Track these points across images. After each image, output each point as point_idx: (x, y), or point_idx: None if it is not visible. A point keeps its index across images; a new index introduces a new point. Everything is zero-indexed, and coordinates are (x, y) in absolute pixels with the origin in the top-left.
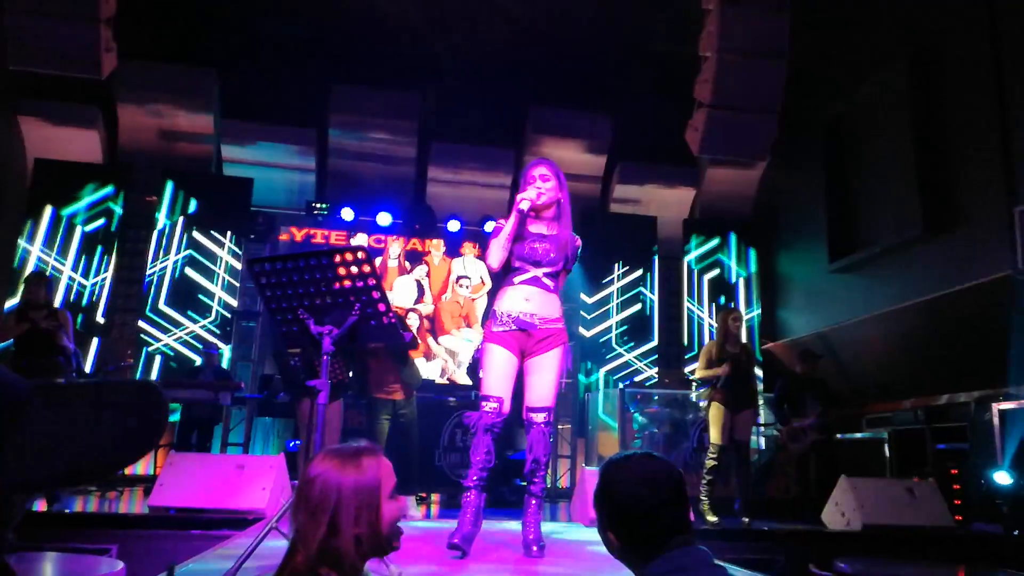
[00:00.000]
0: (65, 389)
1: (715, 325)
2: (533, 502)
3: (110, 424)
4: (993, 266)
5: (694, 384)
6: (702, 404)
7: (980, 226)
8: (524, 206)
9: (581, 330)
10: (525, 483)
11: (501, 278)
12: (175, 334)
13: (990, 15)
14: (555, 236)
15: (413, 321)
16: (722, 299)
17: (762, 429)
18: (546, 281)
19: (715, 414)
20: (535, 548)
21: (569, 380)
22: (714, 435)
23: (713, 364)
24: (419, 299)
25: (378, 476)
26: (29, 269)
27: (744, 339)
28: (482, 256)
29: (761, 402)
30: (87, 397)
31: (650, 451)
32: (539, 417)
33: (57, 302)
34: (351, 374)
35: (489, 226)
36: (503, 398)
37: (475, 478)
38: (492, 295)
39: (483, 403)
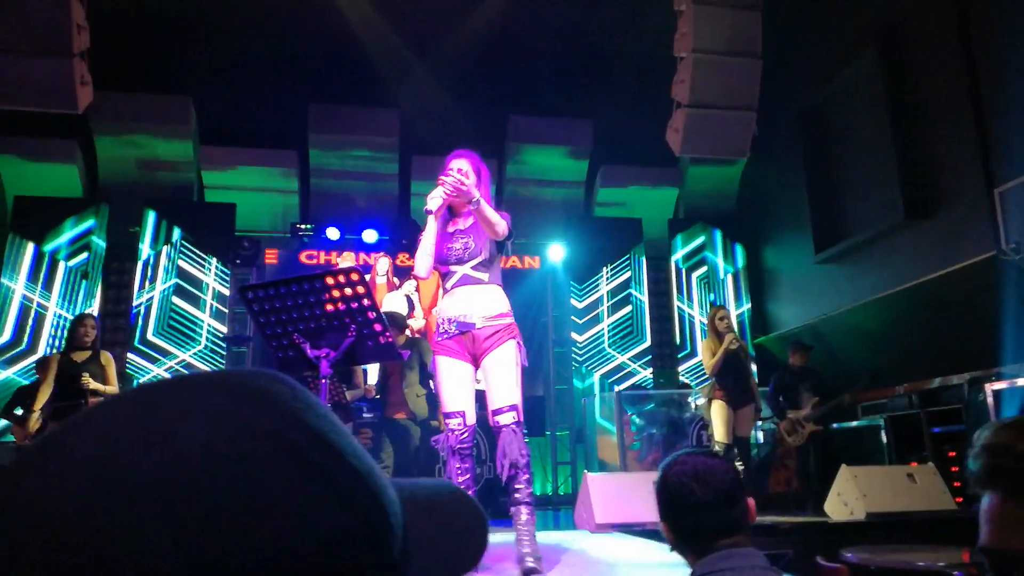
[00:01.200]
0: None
1: (706, 322)
2: (523, 511)
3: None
4: (976, 248)
5: (693, 387)
6: (699, 402)
7: (961, 209)
8: (433, 206)
9: (573, 335)
10: (509, 492)
11: (441, 285)
12: (165, 364)
13: None
14: (473, 225)
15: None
16: (710, 296)
17: (759, 424)
18: (477, 275)
19: (718, 412)
20: (530, 562)
21: (564, 386)
22: (719, 433)
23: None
24: (410, 314)
25: None
26: (13, 307)
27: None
28: None
29: (759, 396)
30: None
31: (712, 451)
32: (506, 418)
33: (43, 339)
34: (376, 395)
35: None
36: (464, 411)
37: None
38: None
39: (447, 421)
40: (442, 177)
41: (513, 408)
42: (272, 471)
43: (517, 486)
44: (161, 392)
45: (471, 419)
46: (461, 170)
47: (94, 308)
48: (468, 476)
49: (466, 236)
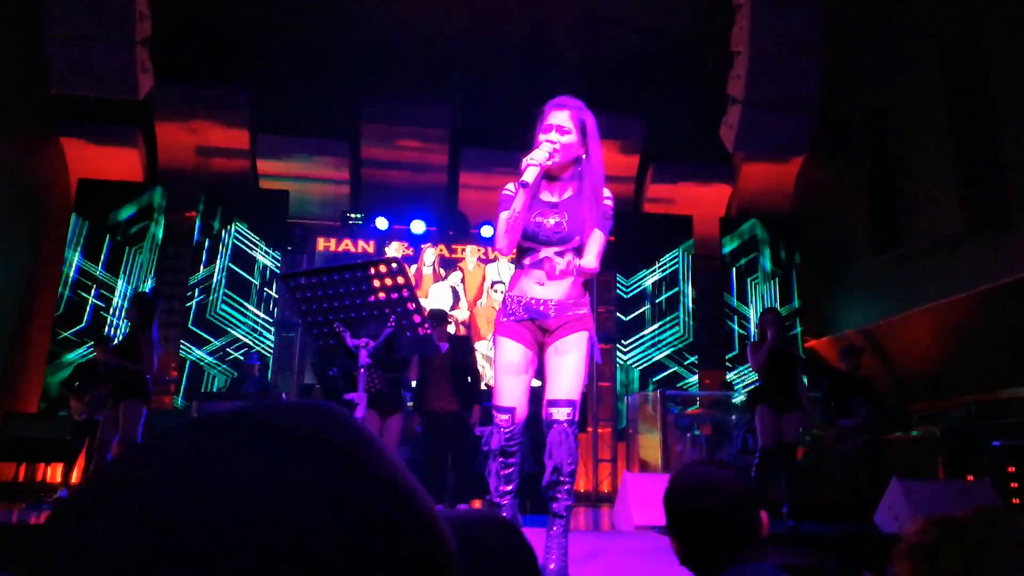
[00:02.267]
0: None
1: (756, 324)
2: (557, 523)
3: None
4: None
5: (737, 389)
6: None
7: None
8: (530, 176)
9: (618, 331)
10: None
11: (515, 257)
12: (217, 347)
13: None
14: (570, 200)
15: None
16: (761, 297)
17: (800, 430)
18: (559, 261)
19: (761, 416)
20: None
21: (607, 383)
22: (761, 437)
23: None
24: (455, 305)
25: None
26: (74, 287)
27: (787, 339)
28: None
29: (808, 402)
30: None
31: (724, 460)
32: (561, 413)
33: (106, 320)
34: (414, 384)
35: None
36: (515, 406)
37: (499, 497)
38: None
39: (496, 414)
40: (543, 137)
41: (571, 404)
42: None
43: (557, 495)
44: (220, 439)
45: (521, 414)
46: (561, 128)
47: (150, 290)
48: (510, 471)
49: (560, 214)
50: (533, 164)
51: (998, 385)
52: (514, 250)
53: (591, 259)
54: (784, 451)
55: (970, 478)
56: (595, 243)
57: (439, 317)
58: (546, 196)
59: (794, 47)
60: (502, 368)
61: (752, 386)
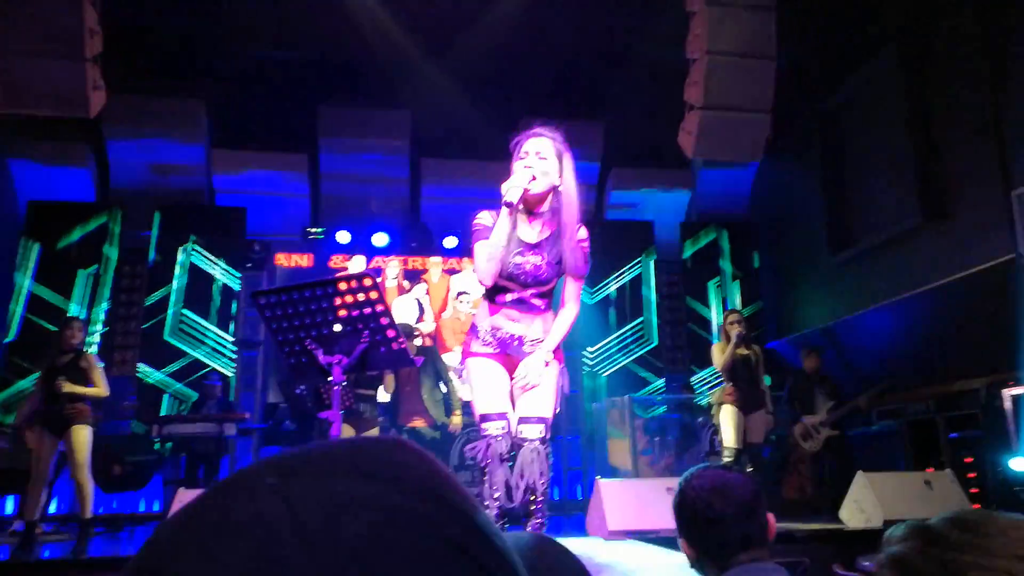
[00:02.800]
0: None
1: (719, 326)
2: None
3: None
4: (995, 251)
5: (704, 391)
6: (712, 408)
7: (979, 212)
8: (514, 196)
9: (583, 338)
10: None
11: (489, 292)
12: (176, 368)
13: None
14: (548, 240)
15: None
16: (723, 300)
17: (765, 429)
18: (534, 302)
19: (728, 416)
20: None
21: (576, 391)
22: (728, 438)
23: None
24: (420, 318)
25: None
26: (25, 310)
27: (750, 339)
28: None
29: (771, 401)
30: None
31: (730, 464)
32: (533, 431)
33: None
34: (388, 399)
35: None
36: (507, 413)
37: (499, 517)
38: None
39: (485, 426)
40: (520, 164)
41: (542, 422)
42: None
43: (532, 513)
44: (314, 478)
45: (514, 423)
46: (540, 154)
47: (104, 312)
48: (508, 488)
49: (538, 254)
50: (515, 187)
51: (954, 378)
52: (495, 279)
53: (561, 331)
54: (751, 450)
55: (931, 470)
56: (569, 313)
57: (406, 333)
58: (524, 233)
59: (748, 52)
60: (483, 383)
61: (715, 387)
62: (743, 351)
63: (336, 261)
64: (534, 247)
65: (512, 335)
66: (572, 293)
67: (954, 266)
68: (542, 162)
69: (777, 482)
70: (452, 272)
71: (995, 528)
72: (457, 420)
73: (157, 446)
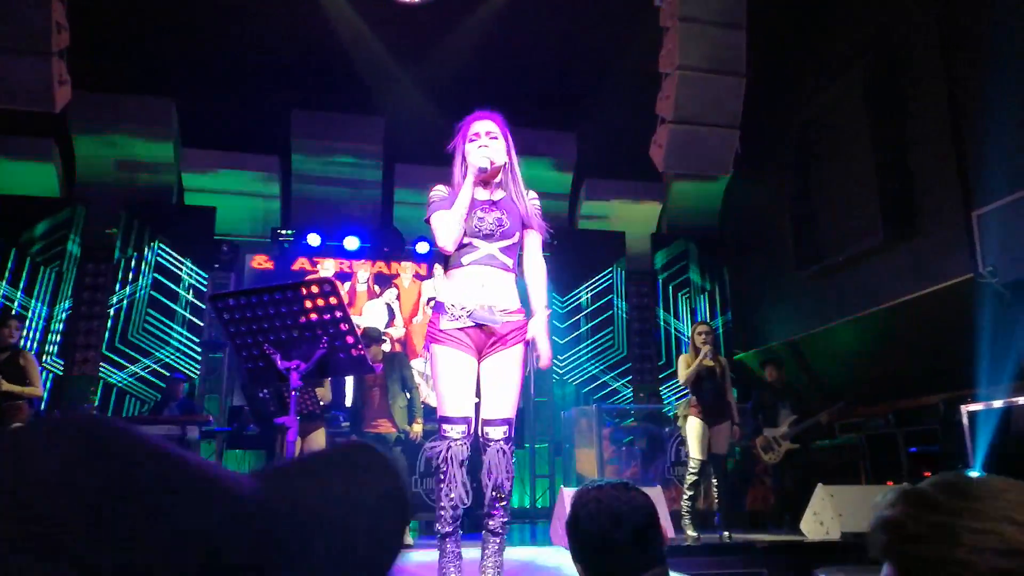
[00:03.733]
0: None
1: (688, 337)
2: (493, 541)
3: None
4: (954, 270)
5: (670, 403)
6: (677, 416)
7: (940, 230)
8: (484, 164)
9: (555, 343)
10: (483, 516)
11: (447, 259)
12: (138, 369)
13: (940, 21)
14: (505, 200)
15: (385, 346)
16: (692, 311)
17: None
18: (503, 258)
19: (694, 428)
20: None
21: (544, 399)
22: (694, 449)
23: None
24: (390, 323)
25: None
26: None
27: (717, 351)
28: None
29: (737, 413)
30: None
31: (625, 481)
32: (498, 432)
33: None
34: (349, 404)
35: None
36: (470, 417)
37: (451, 521)
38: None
39: (446, 428)
40: (471, 146)
41: (507, 423)
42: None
43: (494, 513)
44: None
45: (474, 427)
46: (490, 133)
47: (66, 310)
48: (469, 491)
49: (500, 210)
50: (482, 157)
51: (913, 393)
52: (458, 244)
53: (543, 287)
54: (715, 461)
55: (890, 483)
56: (540, 267)
57: (373, 337)
58: (481, 195)
59: (719, 68)
60: (450, 378)
61: (683, 398)
62: (709, 362)
63: (305, 264)
64: (493, 204)
65: (482, 305)
66: (536, 246)
67: (916, 284)
68: (493, 141)
69: (740, 493)
70: (423, 278)
71: (986, 491)
72: (418, 428)
73: None
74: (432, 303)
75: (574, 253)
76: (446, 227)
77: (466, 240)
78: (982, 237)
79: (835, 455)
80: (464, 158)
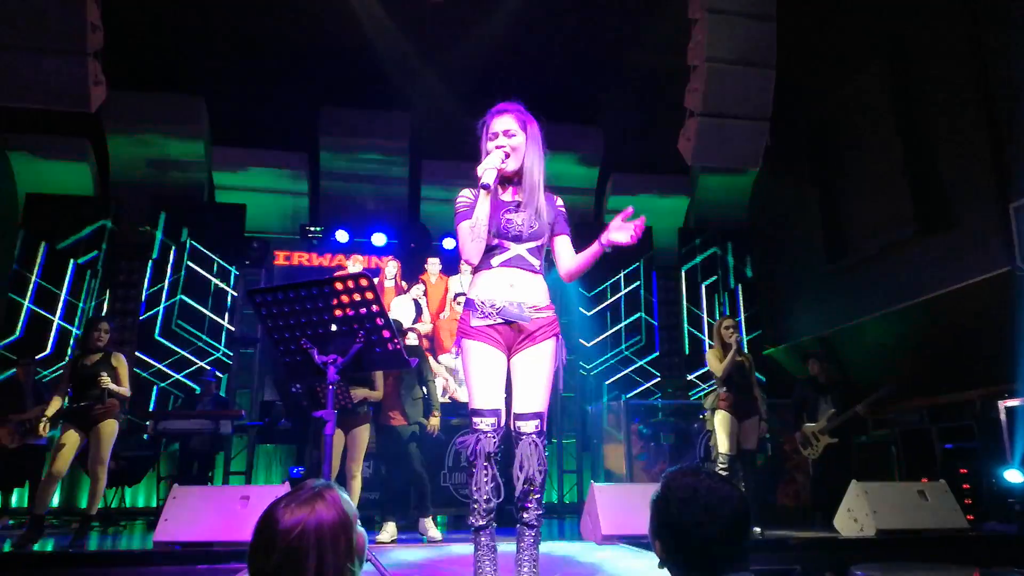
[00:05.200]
0: None
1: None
2: (529, 534)
3: None
4: (991, 263)
5: (701, 395)
6: (706, 414)
7: (975, 223)
8: (489, 178)
9: (581, 342)
10: (517, 509)
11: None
12: (172, 364)
13: (969, 7)
14: (532, 199)
15: (412, 340)
16: (720, 306)
17: (766, 435)
18: (530, 260)
19: (722, 422)
20: None
21: (572, 394)
22: (723, 444)
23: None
24: (417, 318)
25: (345, 510)
26: (24, 304)
27: (744, 346)
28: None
29: (764, 408)
30: None
31: (720, 475)
32: (529, 426)
33: (50, 338)
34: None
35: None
36: (500, 409)
37: (484, 515)
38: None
39: (476, 420)
40: (490, 144)
41: (538, 416)
42: None
43: (528, 505)
44: None
45: (503, 421)
46: (508, 131)
47: (102, 307)
48: (500, 486)
49: (525, 210)
50: (490, 168)
51: (949, 389)
52: (480, 256)
53: (575, 268)
54: (743, 457)
55: (925, 480)
56: (573, 255)
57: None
58: (506, 197)
59: (748, 60)
60: (479, 373)
61: (708, 392)
62: (737, 357)
63: (334, 260)
64: (519, 205)
65: (512, 302)
66: (570, 248)
67: (950, 277)
68: (511, 139)
69: (771, 489)
70: (450, 273)
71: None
72: (435, 422)
73: (147, 437)
74: (459, 299)
75: None
76: (468, 243)
77: (495, 242)
78: (1020, 229)
79: (868, 452)
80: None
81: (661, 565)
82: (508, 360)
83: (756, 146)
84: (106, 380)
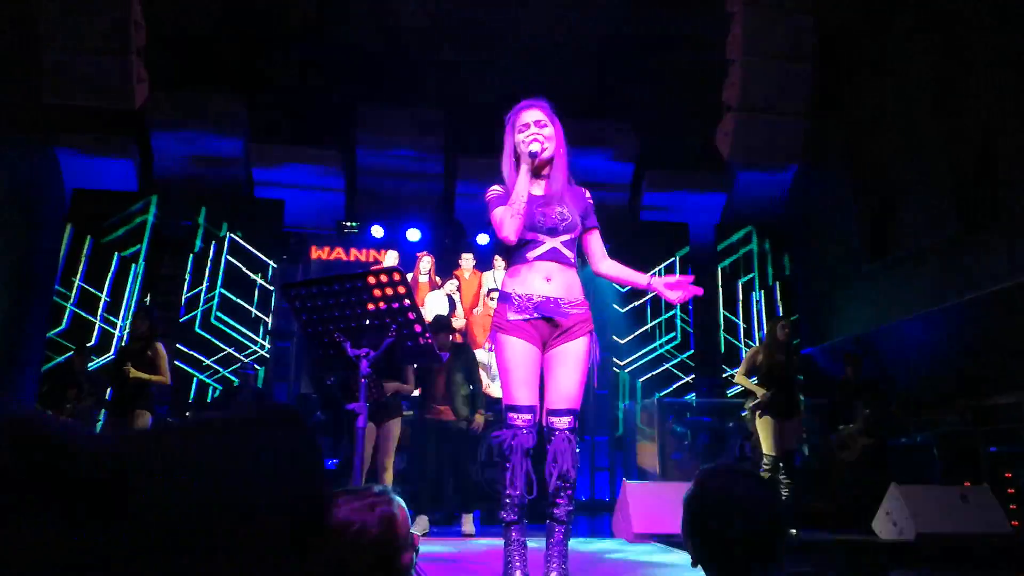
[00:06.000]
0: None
1: (763, 331)
2: (558, 530)
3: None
4: None
5: (736, 396)
6: (744, 415)
7: (1023, 220)
8: (536, 148)
9: (615, 339)
10: (547, 505)
11: (510, 254)
12: (212, 358)
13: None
14: (562, 192)
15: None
16: (757, 304)
17: (804, 436)
18: (566, 252)
19: (764, 423)
20: None
21: (605, 391)
22: (766, 446)
23: (754, 371)
24: (451, 313)
25: (389, 531)
26: (71, 298)
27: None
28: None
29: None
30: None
31: (755, 474)
32: (563, 422)
33: (95, 331)
34: (416, 392)
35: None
36: (536, 405)
37: (516, 510)
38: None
39: (512, 416)
40: (520, 136)
41: (572, 413)
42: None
43: (559, 501)
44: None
45: (538, 416)
46: (539, 122)
47: (145, 300)
48: (534, 483)
49: (561, 204)
50: (535, 142)
51: (994, 391)
52: (519, 234)
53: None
54: (785, 457)
55: (967, 484)
56: (604, 251)
57: (443, 325)
58: (537, 191)
59: (787, 55)
60: (515, 368)
61: (749, 393)
62: (781, 357)
63: (370, 255)
64: (551, 199)
65: (549, 297)
66: (600, 242)
67: (996, 276)
68: (543, 129)
69: (808, 491)
70: (484, 269)
71: None
72: (480, 419)
73: None
74: (492, 294)
75: (636, 244)
76: (507, 220)
77: (530, 236)
78: None
79: (909, 454)
80: (513, 150)
81: (694, 564)
82: (543, 355)
83: (795, 141)
84: (128, 369)
